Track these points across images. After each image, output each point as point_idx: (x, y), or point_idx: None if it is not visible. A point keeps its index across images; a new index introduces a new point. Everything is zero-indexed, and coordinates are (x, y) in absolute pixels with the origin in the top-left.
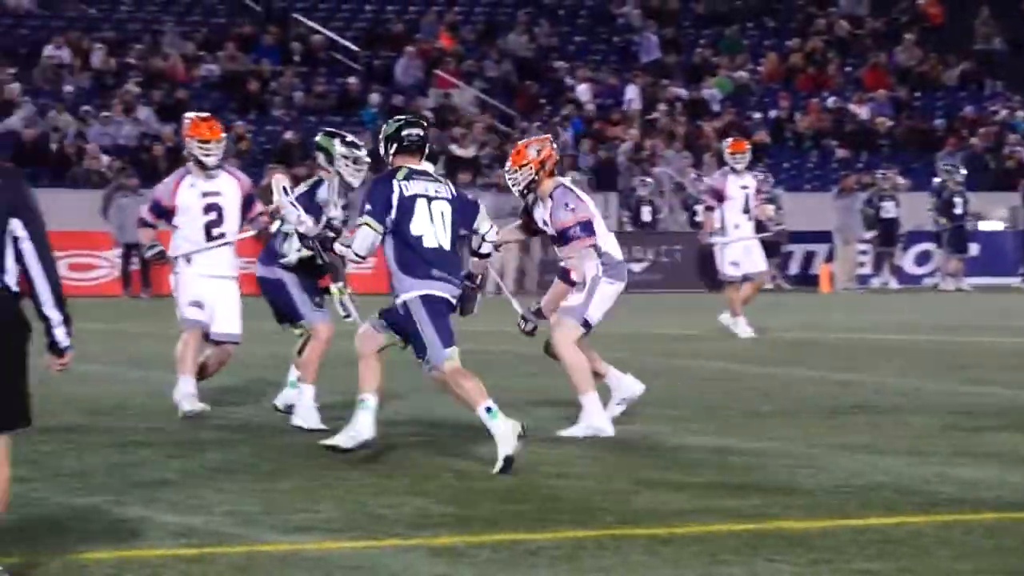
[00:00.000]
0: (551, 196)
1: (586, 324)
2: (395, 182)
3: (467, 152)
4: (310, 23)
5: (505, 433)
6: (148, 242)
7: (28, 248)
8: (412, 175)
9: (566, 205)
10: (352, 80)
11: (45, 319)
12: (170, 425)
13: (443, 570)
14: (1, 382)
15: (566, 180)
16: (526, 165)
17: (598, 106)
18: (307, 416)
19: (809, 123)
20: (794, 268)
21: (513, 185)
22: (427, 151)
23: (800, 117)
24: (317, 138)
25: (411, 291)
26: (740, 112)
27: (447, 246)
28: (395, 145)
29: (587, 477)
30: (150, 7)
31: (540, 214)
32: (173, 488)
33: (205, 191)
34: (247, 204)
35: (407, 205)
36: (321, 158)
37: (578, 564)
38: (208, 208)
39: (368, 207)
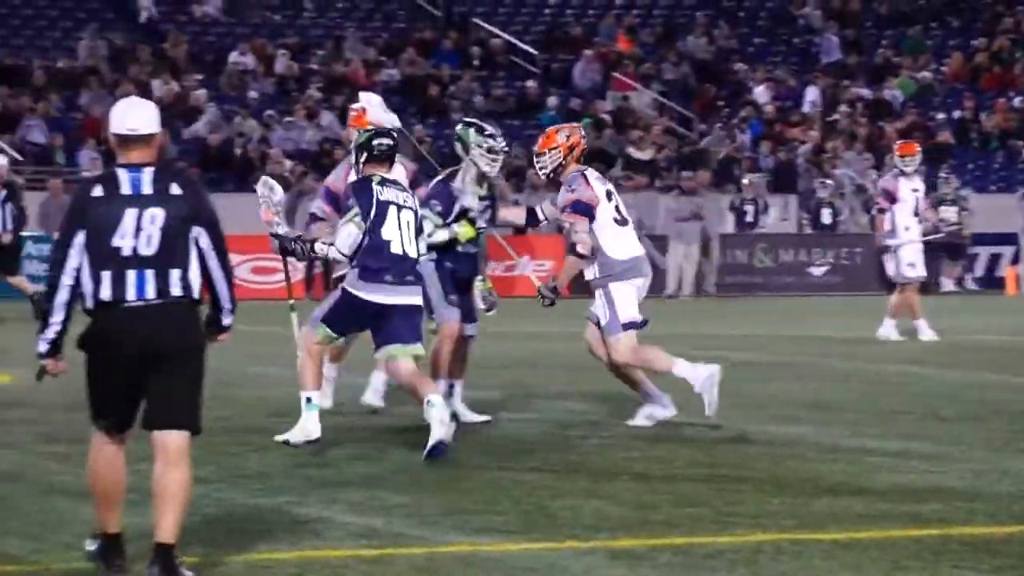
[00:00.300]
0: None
1: (629, 326)
2: (374, 186)
3: (644, 155)
4: (489, 27)
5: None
6: (322, 235)
7: (211, 255)
8: (385, 183)
9: (570, 186)
10: (530, 83)
11: (217, 301)
12: (350, 426)
13: (622, 572)
14: (185, 385)
15: (587, 168)
16: (555, 149)
17: (777, 108)
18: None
19: (995, 123)
20: (979, 270)
21: (540, 169)
22: (394, 161)
23: (986, 117)
24: (456, 128)
25: (353, 288)
26: (923, 113)
27: (412, 254)
28: (366, 154)
29: (765, 480)
30: (332, 13)
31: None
32: (353, 489)
33: None
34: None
35: (382, 210)
36: (458, 147)
37: (756, 568)
38: None
39: (355, 207)
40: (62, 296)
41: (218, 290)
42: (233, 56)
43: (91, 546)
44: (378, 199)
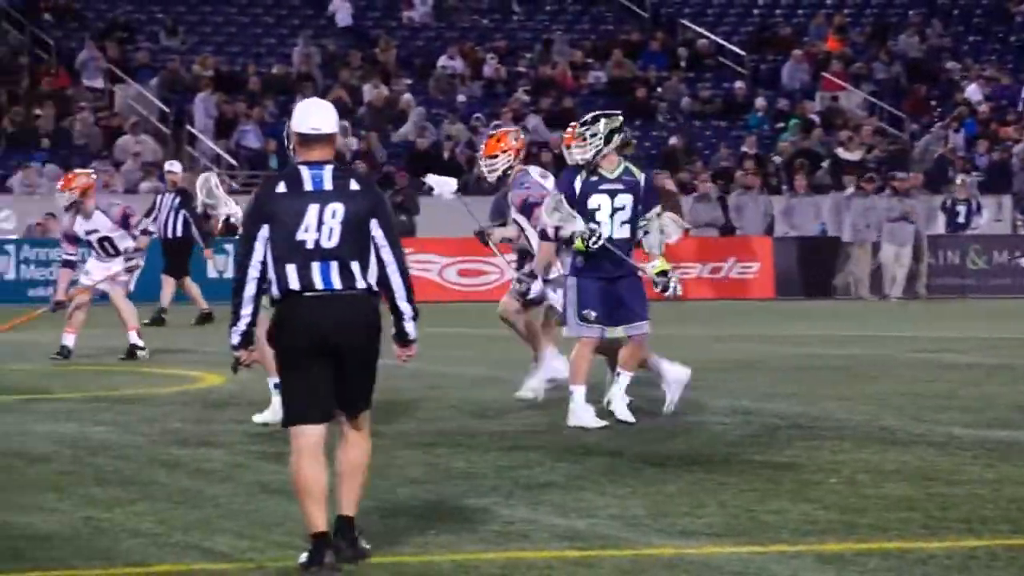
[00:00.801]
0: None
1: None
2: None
3: (854, 155)
4: (697, 28)
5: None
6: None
7: (385, 248)
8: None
9: (521, 184)
10: (738, 84)
11: (398, 312)
12: (555, 428)
13: None
14: (366, 372)
15: (529, 167)
16: (507, 152)
17: (991, 106)
18: (580, 415)
19: None
20: None
21: (491, 171)
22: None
23: None
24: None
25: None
26: None
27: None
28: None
29: (979, 484)
30: (540, 16)
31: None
32: (559, 490)
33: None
34: None
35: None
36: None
37: (968, 575)
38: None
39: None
40: (250, 289)
41: (394, 284)
42: (442, 60)
43: (302, 558)
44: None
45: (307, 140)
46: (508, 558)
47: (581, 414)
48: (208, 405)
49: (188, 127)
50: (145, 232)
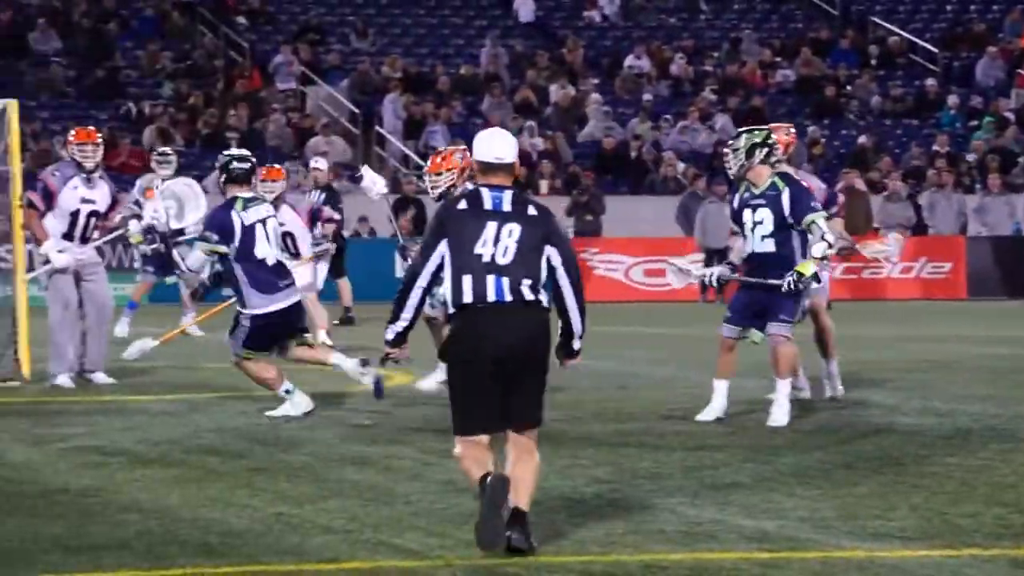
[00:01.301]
0: None
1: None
2: (234, 213)
3: None
4: (888, 25)
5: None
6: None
7: (560, 271)
8: (248, 204)
9: None
10: (930, 82)
11: (569, 331)
12: (743, 428)
13: None
14: (536, 384)
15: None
16: (451, 170)
17: None
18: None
19: None
20: None
21: (434, 188)
22: (253, 180)
23: None
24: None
25: (260, 308)
26: None
27: (280, 257)
28: (225, 175)
29: None
30: (728, 15)
31: None
32: (747, 491)
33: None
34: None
35: (250, 233)
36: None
37: None
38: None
39: (206, 233)
40: (415, 297)
41: (568, 305)
42: (628, 60)
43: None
44: (243, 224)
45: (490, 168)
46: (695, 559)
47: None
48: (398, 403)
49: (377, 128)
50: (331, 220)
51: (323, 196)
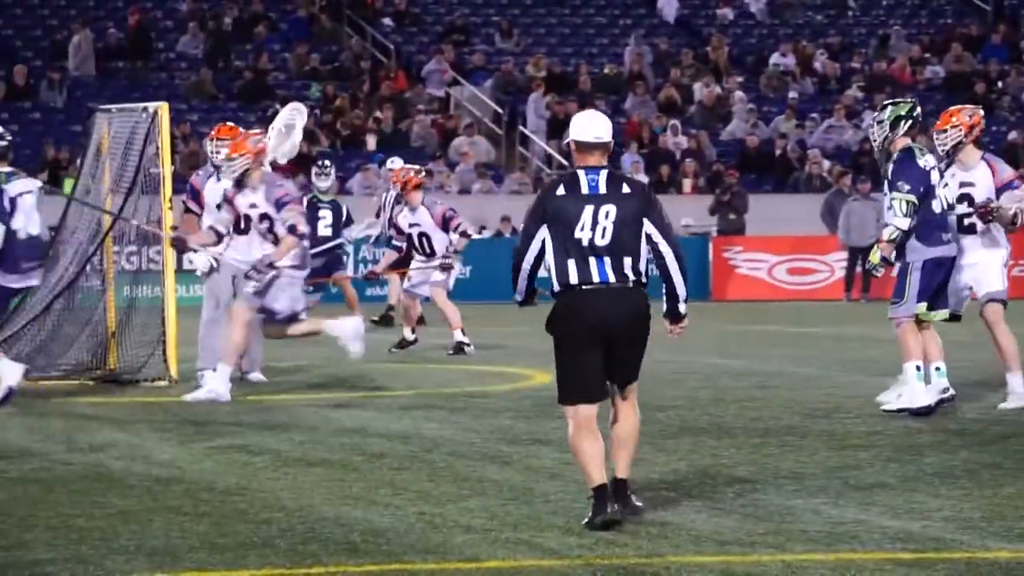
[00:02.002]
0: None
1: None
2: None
3: None
4: None
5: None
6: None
7: (661, 242)
8: (9, 177)
9: (276, 183)
10: None
11: (674, 295)
12: (887, 428)
13: None
14: (638, 354)
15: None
16: (243, 155)
17: None
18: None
19: None
20: None
21: (230, 171)
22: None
23: None
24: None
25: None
26: None
27: (35, 233)
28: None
29: None
30: (877, 11)
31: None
32: (890, 491)
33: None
34: (1004, 188)
35: (13, 204)
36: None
37: None
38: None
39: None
40: (523, 278)
41: (671, 271)
42: (774, 57)
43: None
44: (7, 195)
45: (588, 147)
46: (838, 559)
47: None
48: (539, 403)
49: (520, 128)
50: (464, 235)
51: (396, 195)
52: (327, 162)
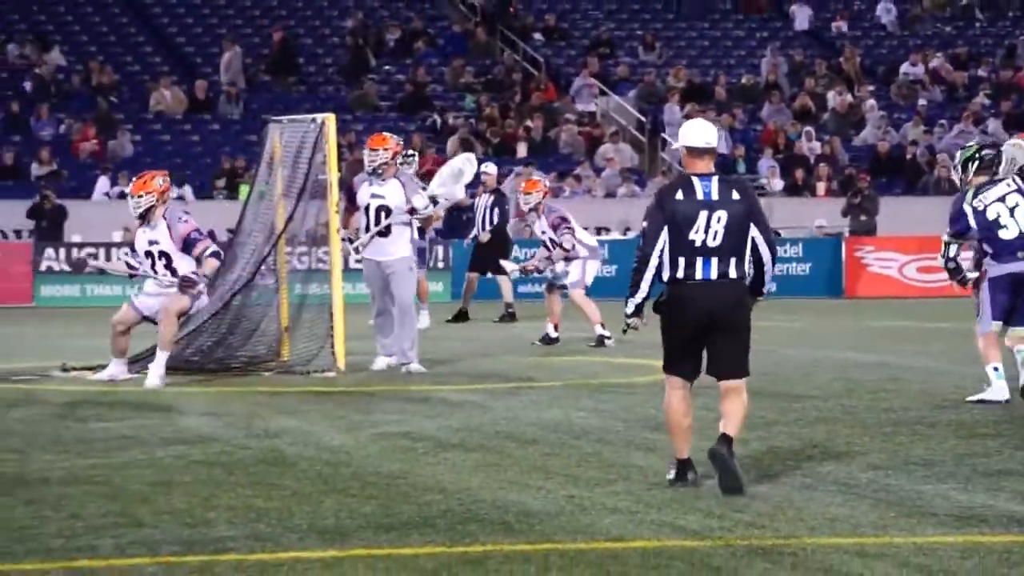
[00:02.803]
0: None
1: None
2: None
3: None
4: None
5: None
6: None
7: (761, 243)
8: None
9: (180, 219)
10: None
11: (760, 280)
12: (1013, 418)
13: None
14: (738, 344)
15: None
16: (150, 193)
17: None
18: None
19: None
20: None
21: (136, 208)
22: None
23: None
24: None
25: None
26: None
27: None
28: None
29: None
30: (1003, 22)
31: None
32: (1017, 478)
33: None
34: None
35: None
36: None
37: None
38: None
39: None
40: (649, 273)
41: (765, 268)
42: (904, 67)
43: (670, 475)
44: None
45: (698, 152)
46: (967, 542)
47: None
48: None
49: (662, 134)
50: (568, 250)
51: (492, 199)
52: (411, 150)
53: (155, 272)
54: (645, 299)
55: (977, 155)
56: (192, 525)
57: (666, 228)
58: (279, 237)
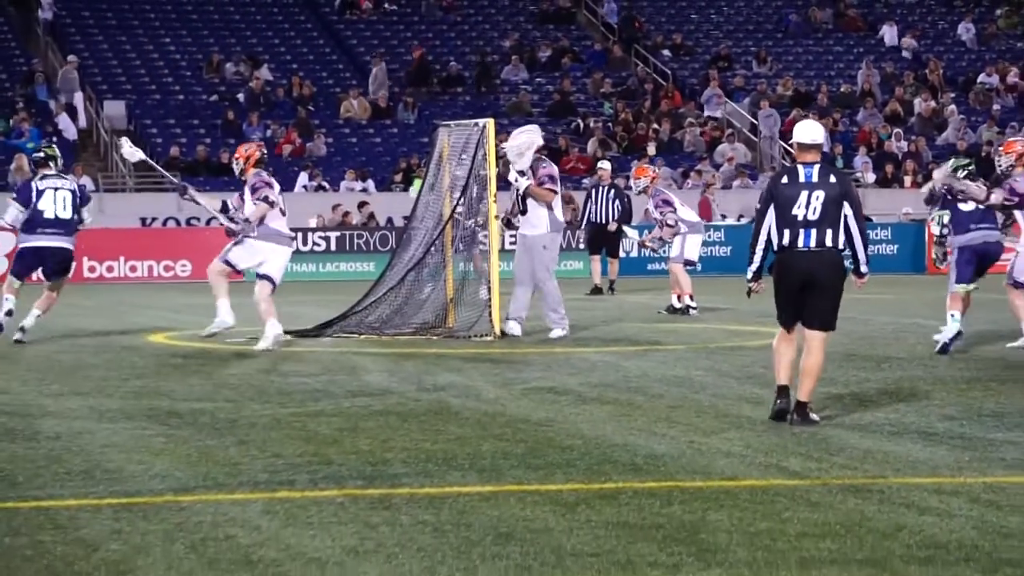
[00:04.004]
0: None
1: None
2: (34, 182)
3: None
4: None
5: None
6: None
7: (852, 221)
8: (44, 177)
9: (256, 175)
10: None
11: (858, 260)
12: None
13: None
14: (828, 302)
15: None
16: (239, 158)
17: None
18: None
19: None
20: None
21: (240, 173)
22: (55, 164)
23: None
24: None
25: (23, 243)
26: None
27: (64, 216)
28: (34, 162)
29: None
30: None
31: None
32: None
33: None
34: None
35: (39, 193)
36: None
37: None
38: None
39: (15, 196)
40: (760, 244)
41: (856, 247)
42: (981, 77)
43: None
44: (38, 189)
45: (807, 147)
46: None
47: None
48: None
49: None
50: (664, 225)
51: (612, 191)
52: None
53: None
54: (760, 267)
55: (963, 166)
56: (373, 463)
57: (773, 207)
58: (447, 223)
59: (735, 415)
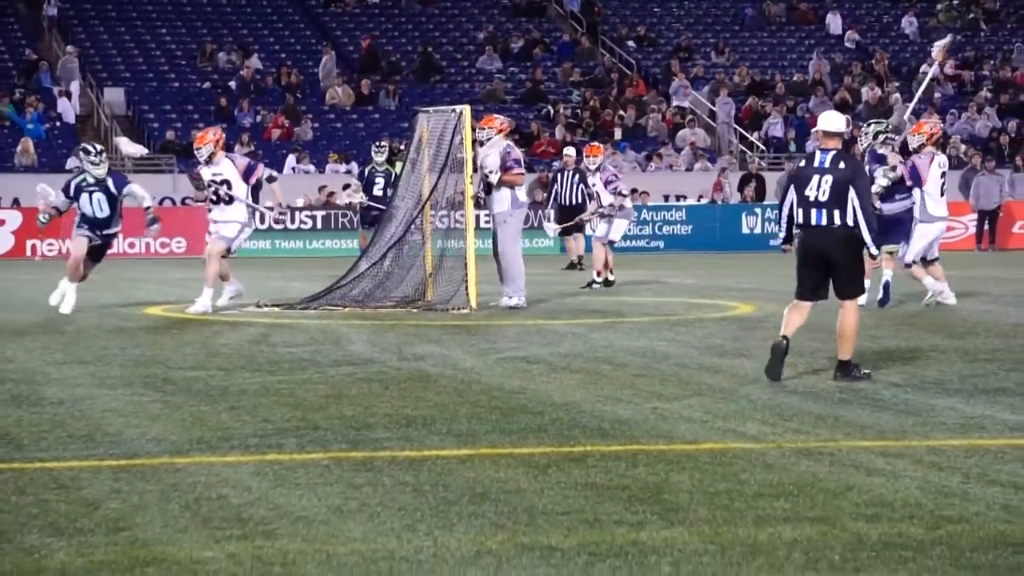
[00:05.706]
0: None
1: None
2: (73, 182)
3: None
4: None
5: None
6: None
7: (857, 204)
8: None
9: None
10: None
11: (865, 243)
12: (1008, 347)
13: None
14: (847, 274)
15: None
16: (207, 143)
17: None
18: None
19: None
20: None
21: (199, 155)
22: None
23: None
24: None
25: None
26: None
27: (100, 215)
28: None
29: None
30: (1003, 32)
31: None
32: (1011, 394)
33: None
34: None
35: (77, 195)
36: None
37: None
38: None
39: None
40: (784, 218)
41: (862, 227)
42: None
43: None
44: (76, 188)
45: (828, 135)
46: (969, 444)
47: None
48: (743, 327)
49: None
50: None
51: (576, 176)
52: (383, 143)
53: (215, 198)
54: (787, 236)
55: (883, 131)
56: (356, 428)
57: (792, 188)
58: (425, 203)
59: (696, 383)
